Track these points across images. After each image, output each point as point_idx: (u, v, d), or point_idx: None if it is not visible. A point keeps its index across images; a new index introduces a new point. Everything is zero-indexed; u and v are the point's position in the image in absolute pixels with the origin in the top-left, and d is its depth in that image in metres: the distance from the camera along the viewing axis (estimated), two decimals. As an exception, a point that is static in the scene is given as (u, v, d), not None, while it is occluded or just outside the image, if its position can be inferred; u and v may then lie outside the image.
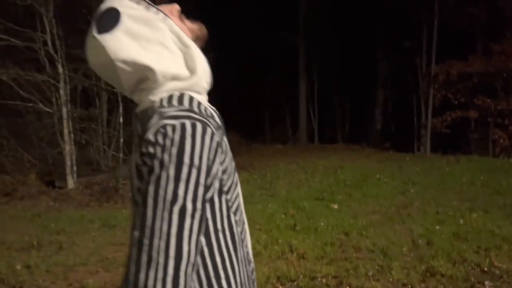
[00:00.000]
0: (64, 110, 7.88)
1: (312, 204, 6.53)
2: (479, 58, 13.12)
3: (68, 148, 7.98)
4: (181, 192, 0.73)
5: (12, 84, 7.65)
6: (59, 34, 8.07)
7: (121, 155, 8.02)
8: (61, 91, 7.83)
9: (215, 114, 0.91)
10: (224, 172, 0.84)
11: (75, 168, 8.10)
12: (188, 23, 0.97)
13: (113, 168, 9.82)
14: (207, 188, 0.77)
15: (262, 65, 17.38)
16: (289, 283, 3.73)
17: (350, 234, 5.05)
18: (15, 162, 9.33)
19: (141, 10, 0.90)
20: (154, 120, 0.79)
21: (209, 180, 0.78)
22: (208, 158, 0.76)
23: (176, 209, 0.73)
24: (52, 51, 7.70)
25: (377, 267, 4.04)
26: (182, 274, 0.73)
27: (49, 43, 7.70)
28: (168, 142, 0.74)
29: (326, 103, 19.52)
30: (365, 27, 16.78)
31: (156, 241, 0.72)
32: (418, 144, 14.64)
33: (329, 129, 20.07)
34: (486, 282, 3.61)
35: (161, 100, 0.86)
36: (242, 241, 0.92)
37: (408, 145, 14.45)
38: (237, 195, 0.92)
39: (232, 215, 0.88)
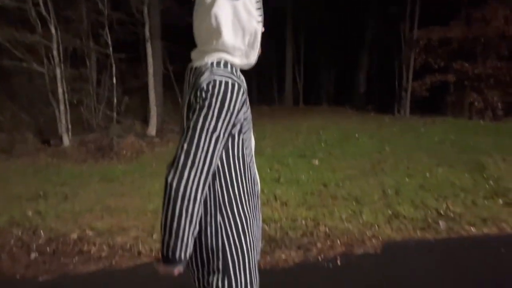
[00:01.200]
0: (58, 70, 8.13)
1: (295, 161, 7.06)
2: (459, 24, 13.52)
3: (63, 107, 8.30)
4: (219, 126, 1.20)
5: (8, 45, 7.83)
6: (50, -6, 8.19)
7: (114, 114, 8.36)
8: (54, 52, 8.06)
9: (243, 80, 1.36)
10: (245, 119, 1.31)
11: (70, 126, 8.45)
12: None
13: (104, 127, 10.18)
14: (233, 126, 1.25)
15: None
16: (273, 223, 4.30)
17: (328, 185, 5.62)
18: (10, 121, 9.62)
19: (253, 6, 1.33)
20: (207, 75, 1.24)
21: (235, 121, 1.25)
22: (238, 107, 1.23)
23: (214, 136, 1.20)
24: (44, 12, 7.85)
25: (350, 211, 4.64)
26: (209, 175, 1.22)
27: (41, 4, 7.84)
28: (215, 91, 1.20)
29: (312, 67, 19.86)
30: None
31: (198, 153, 1.19)
32: (398, 107, 15.20)
33: (314, 92, 20.51)
34: (441, 222, 4.24)
35: (212, 62, 1.30)
36: (250, 167, 1.41)
37: (389, 108, 15.03)
38: (250, 137, 1.40)
39: (244, 149, 1.36)
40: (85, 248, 3.91)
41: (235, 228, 1.34)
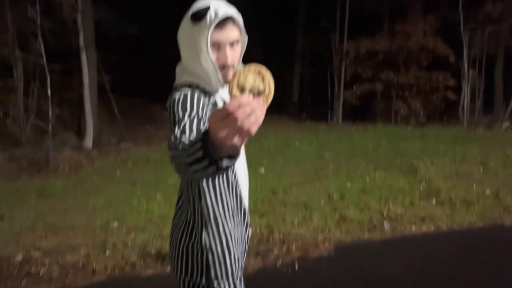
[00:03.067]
0: (-18, 81, 7.57)
1: (241, 170, 7.15)
2: (384, 37, 14.54)
3: (-11, 120, 7.73)
4: (190, 108, 1.27)
5: None
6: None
7: (50, 126, 7.89)
8: (-22, 61, 7.49)
9: (220, 102, 1.40)
10: None
11: (-3, 141, 7.88)
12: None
13: (34, 141, 9.60)
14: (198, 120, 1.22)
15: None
16: (229, 233, 4.34)
17: (277, 192, 5.77)
18: None
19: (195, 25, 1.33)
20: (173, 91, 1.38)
21: (205, 112, 1.29)
22: (202, 102, 1.31)
23: (192, 115, 1.24)
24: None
25: (300, 217, 4.81)
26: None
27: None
28: (175, 103, 1.30)
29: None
30: (284, 4, 17.51)
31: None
32: (331, 115, 15.92)
33: (250, 101, 20.79)
34: (385, 223, 4.54)
35: (183, 82, 1.39)
36: (234, 185, 1.43)
37: (322, 115, 15.69)
38: None
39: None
40: (33, 269, 3.70)
41: (220, 245, 1.39)
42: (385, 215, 4.83)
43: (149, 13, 14.61)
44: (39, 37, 7.64)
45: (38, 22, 7.42)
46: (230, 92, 1.10)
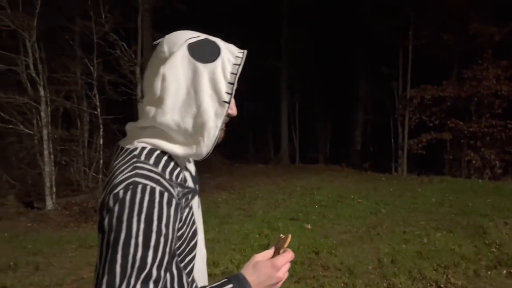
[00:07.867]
0: (45, 131, 8.00)
1: (287, 224, 6.72)
2: (452, 83, 13.68)
3: (48, 169, 8.07)
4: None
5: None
6: (42, 57, 8.25)
7: (100, 176, 8.13)
8: (42, 113, 7.97)
9: (186, 177, 1.04)
10: (180, 238, 0.96)
11: (54, 189, 8.17)
12: None
13: (93, 188, 9.90)
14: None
15: (245, 87, 17.65)
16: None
17: (320, 253, 5.24)
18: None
19: (225, 78, 0.98)
20: (126, 171, 0.94)
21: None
22: (172, 225, 0.88)
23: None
24: (34, 74, 7.88)
25: (342, 284, 4.24)
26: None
27: (31, 66, 7.88)
28: (114, 206, 0.88)
29: (307, 124, 19.93)
30: (345, 52, 17.35)
31: None
32: (395, 165, 15.00)
33: (310, 150, 20.42)
34: (441, 298, 3.85)
35: (143, 148, 0.98)
36: None
37: (386, 166, 14.83)
38: (191, 258, 1.01)
39: (184, 276, 0.99)
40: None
41: None
42: (442, 287, 4.12)
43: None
44: (95, 89, 8.05)
45: (95, 75, 7.83)
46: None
